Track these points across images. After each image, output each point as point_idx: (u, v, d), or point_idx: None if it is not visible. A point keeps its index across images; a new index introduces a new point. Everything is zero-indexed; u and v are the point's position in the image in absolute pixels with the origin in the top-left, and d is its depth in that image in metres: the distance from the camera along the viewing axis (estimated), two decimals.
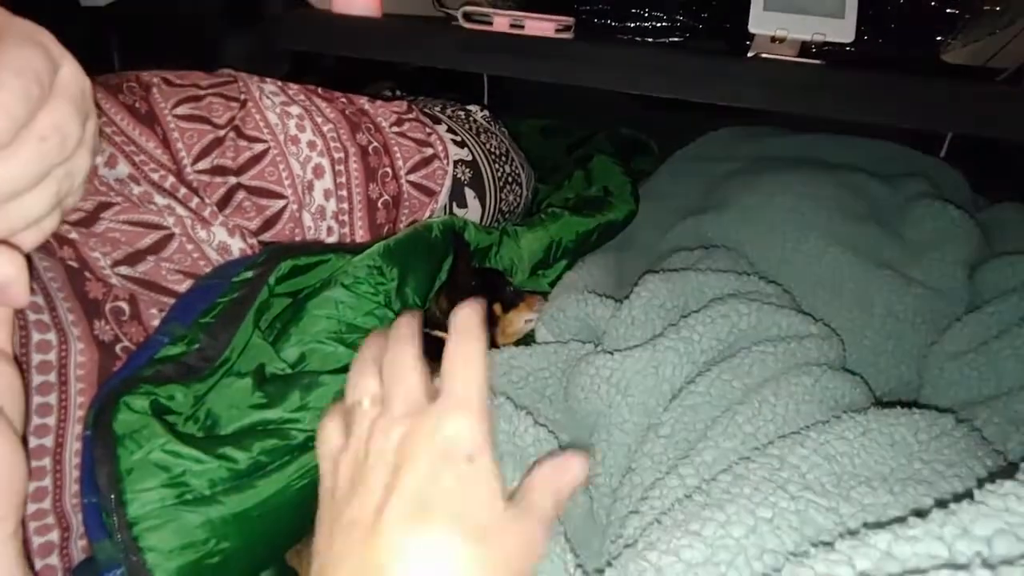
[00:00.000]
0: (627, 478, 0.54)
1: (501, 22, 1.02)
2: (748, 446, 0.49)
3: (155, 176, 0.68)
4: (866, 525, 0.37)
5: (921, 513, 0.33)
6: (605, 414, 0.59)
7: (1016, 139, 0.95)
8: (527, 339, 0.82)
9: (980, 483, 0.33)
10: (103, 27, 1.05)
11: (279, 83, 0.83)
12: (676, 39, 1.42)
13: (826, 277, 0.80)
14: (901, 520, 0.33)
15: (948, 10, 1.22)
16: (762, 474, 0.44)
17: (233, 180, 0.74)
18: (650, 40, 1.44)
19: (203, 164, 0.73)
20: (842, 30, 0.94)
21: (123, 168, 0.67)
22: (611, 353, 0.62)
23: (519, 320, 0.80)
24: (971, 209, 0.91)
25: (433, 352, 0.72)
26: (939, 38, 1.25)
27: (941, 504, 0.33)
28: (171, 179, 0.69)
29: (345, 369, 0.58)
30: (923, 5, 1.23)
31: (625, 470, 0.55)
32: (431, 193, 0.88)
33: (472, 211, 0.93)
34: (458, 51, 1.01)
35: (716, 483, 0.45)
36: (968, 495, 0.32)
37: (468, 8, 1.05)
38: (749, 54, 0.98)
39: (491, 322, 0.79)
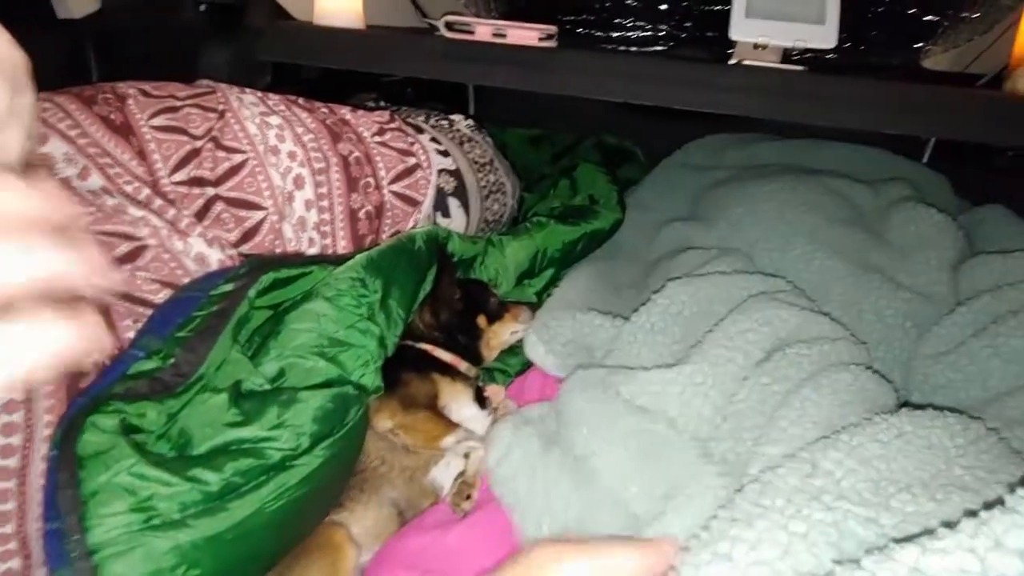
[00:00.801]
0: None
1: (484, 31, 1.02)
2: (795, 448, 0.46)
3: (129, 188, 0.67)
4: (910, 538, 0.34)
5: (950, 524, 0.31)
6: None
7: (997, 143, 0.95)
8: (513, 350, 0.81)
9: (1012, 489, 0.31)
10: (80, 39, 1.04)
11: (259, 94, 0.82)
12: (660, 48, 1.43)
13: (814, 283, 0.79)
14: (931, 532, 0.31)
15: (927, 17, 1.24)
16: (793, 482, 0.40)
17: (211, 191, 0.73)
18: (633, 49, 1.45)
19: (180, 175, 0.72)
20: (823, 36, 0.94)
21: (96, 180, 0.65)
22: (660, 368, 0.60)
23: (504, 332, 0.79)
24: (954, 212, 0.91)
25: (416, 364, 0.71)
26: (919, 45, 1.27)
27: (972, 513, 0.30)
28: (146, 191, 0.68)
29: (326, 384, 0.57)
30: (903, 12, 1.24)
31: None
32: (414, 203, 0.87)
33: (456, 221, 0.92)
34: (440, 61, 1.00)
35: (743, 495, 0.41)
36: (1000, 502, 0.30)
37: (450, 18, 1.05)
38: (732, 61, 0.99)
39: (475, 335, 0.77)
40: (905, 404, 0.60)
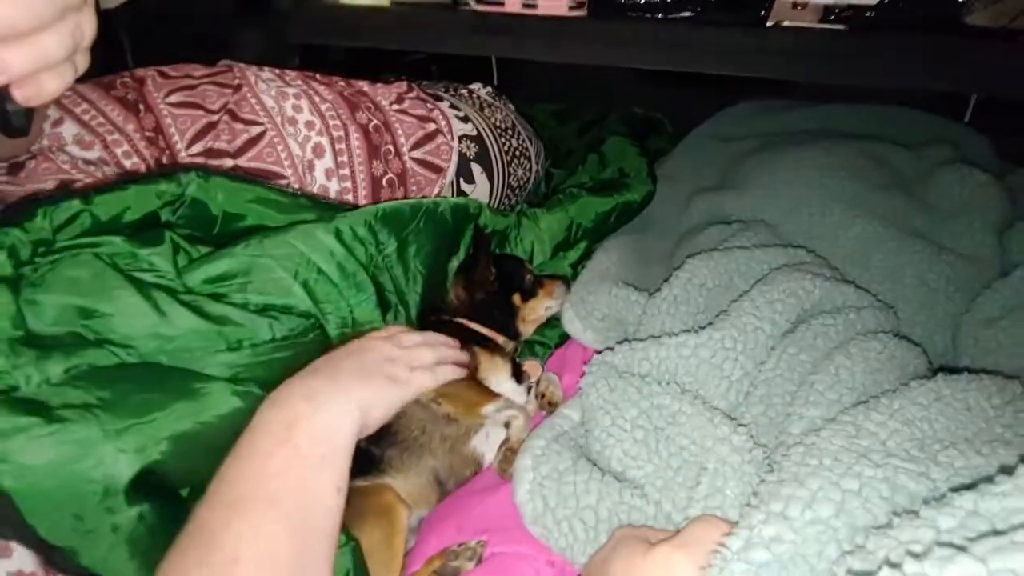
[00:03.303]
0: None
1: (513, 2, 1.01)
2: (833, 412, 0.47)
3: (127, 162, 0.70)
4: (961, 487, 0.34)
5: (1008, 470, 0.31)
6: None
7: None
8: (551, 322, 0.82)
9: None
10: (116, 28, 1.06)
11: (276, 71, 0.84)
12: (688, 13, 1.39)
13: (855, 249, 0.78)
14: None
15: None
16: (839, 443, 0.40)
17: (230, 162, 0.75)
18: (660, 16, 1.41)
19: (197, 148, 0.74)
20: None
21: (97, 151, 0.69)
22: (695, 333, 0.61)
23: (540, 308, 0.80)
24: (997, 173, 0.89)
25: (458, 336, 0.72)
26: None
27: None
28: (143, 167, 0.71)
29: (285, 309, 0.55)
30: None
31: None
32: (438, 170, 0.87)
33: (480, 187, 0.92)
34: (469, 34, 0.99)
35: (788, 458, 0.41)
36: None
37: None
38: (769, 23, 0.96)
39: (511, 312, 0.78)
40: (941, 368, 0.59)
